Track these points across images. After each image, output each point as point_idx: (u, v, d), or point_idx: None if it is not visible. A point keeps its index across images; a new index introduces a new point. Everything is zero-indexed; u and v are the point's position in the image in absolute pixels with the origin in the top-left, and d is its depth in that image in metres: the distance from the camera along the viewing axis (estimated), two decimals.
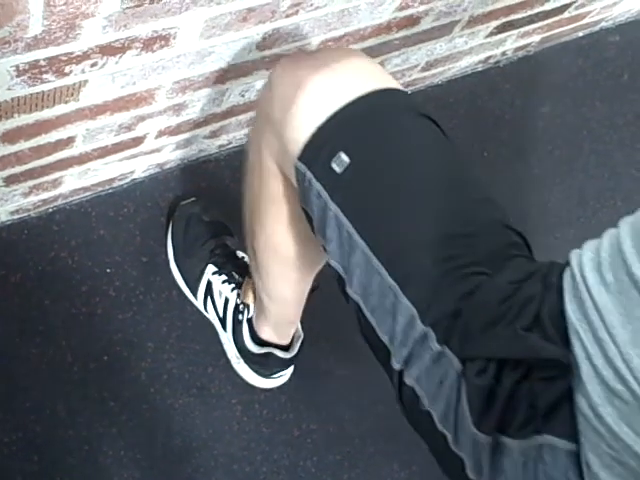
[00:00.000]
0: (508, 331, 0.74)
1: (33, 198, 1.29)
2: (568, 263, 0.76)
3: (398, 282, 0.80)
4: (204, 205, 1.44)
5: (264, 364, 1.36)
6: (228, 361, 1.41)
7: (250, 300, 1.31)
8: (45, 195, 1.30)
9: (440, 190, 0.85)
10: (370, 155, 0.86)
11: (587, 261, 0.73)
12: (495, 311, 0.76)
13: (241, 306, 1.33)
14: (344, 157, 0.84)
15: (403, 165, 0.86)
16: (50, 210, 1.37)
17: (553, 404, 0.71)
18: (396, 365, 0.82)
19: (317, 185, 0.86)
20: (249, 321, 1.32)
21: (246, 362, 1.37)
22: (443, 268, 0.79)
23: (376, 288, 0.82)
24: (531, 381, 0.73)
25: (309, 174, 0.87)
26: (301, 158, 0.88)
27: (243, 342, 1.33)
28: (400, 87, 0.92)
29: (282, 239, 1.06)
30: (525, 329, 0.74)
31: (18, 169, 1.15)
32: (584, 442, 0.69)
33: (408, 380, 0.81)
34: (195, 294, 1.39)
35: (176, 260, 1.40)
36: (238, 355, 1.37)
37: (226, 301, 1.35)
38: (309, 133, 0.87)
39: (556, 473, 0.71)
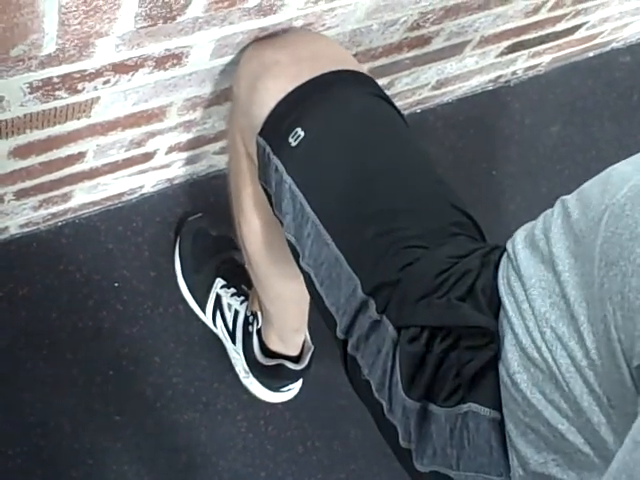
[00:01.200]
0: (442, 300, 0.77)
1: (43, 212, 1.29)
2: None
3: (343, 252, 0.83)
4: (211, 220, 1.44)
5: (274, 377, 1.35)
6: (234, 377, 1.41)
7: (257, 307, 1.32)
8: (55, 209, 1.31)
9: (389, 167, 0.88)
10: (324, 130, 0.89)
11: (520, 239, 0.77)
12: (431, 282, 0.79)
13: (250, 317, 1.33)
14: (300, 131, 0.87)
15: (355, 140, 0.89)
16: (59, 224, 1.37)
17: (478, 373, 0.74)
18: (340, 334, 0.84)
19: (275, 159, 0.89)
20: (259, 332, 1.32)
21: (255, 376, 1.37)
22: (386, 240, 0.82)
23: (325, 259, 0.85)
24: (459, 350, 0.75)
25: (268, 148, 0.89)
26: (261, 133, 0.90)
27: (253, 354, 1.33)
28: (364, 71, 0.95)
29: (262, 222, 1.07)
30: (458, 299, 0.76)
31: (28, 183, 1.15)
32: (505, 411, 0.72)
33: (350, 349, 0.84)
34: (203, 309, 1.39)
35: (184, 275, 1.40)
36: (247, 369, 1.37)
37: (236, 314, 1.35)
38: (269, 108, 0.89)
39: (480, 440, 0.74)
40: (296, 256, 0.90)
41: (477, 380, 0.74)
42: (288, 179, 0.87)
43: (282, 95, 0.89)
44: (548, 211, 0.77)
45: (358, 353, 0.83)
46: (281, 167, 0.88)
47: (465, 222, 0.87)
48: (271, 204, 0.93)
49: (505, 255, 0.78)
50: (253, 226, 1.09)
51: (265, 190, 0.94)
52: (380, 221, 0.84)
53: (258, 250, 1.13)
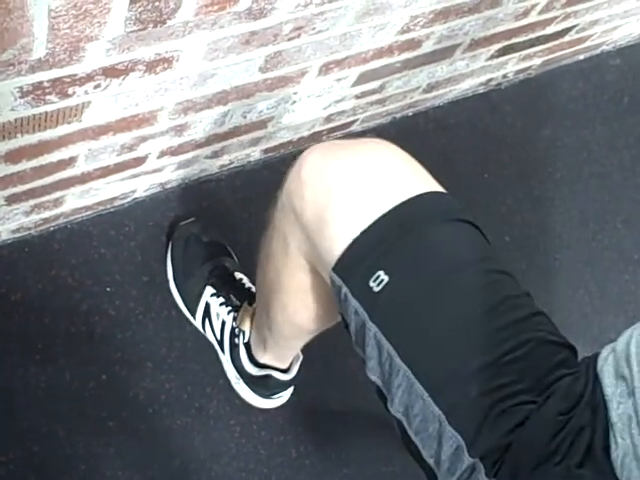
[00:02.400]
0: (560, 469, 0.72)
1: (34, 217, 1.29)
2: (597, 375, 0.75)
3: (443, 410, 0.78)
4: (203, 225, 1.44)
5: (264, 385, 1.35)
6: (226, 382, 1.41)
7: (246, 327, 1.31)
8: (46, 214, 1.30)
9: (483, 312, 0.82)
10: (410, 274, 0.83)
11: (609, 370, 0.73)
12: (546, 448, 0.73)
13: (237, 330, 1.33)
14: (383, 275, 0.81)
15: (444, 285, 0.83)
16: (51, 229, 1.37)
17: None
18: None
19: (354, 302, 0.83)
20: (246, 345, 1.32)
21: (246, 383, 1.37)
22: (489, 399, 0.77)
23: (419, 412, 0.80)
24: None
25: (345, 289, 0.83)
26: (336, 271, 0.84)
27: (241, 364, 1.33)
28: (438, 188, 0.89)
29: (304, 319, 1.04)
30: (578, 465, 0.71)
31: (20, 188, 1.15)
32: None
33: None
34: (194, 315, 1.39)
35: (175, 281, 1.40)
36: (237, 376, 1.37)
37: (223, 324, 1.35)
38: (344, 246, 0.83)
39: None
40: (382, 399, 0.84)
41: None
42: (372, 326, 0.81)
43: (358, 232, 0.82)
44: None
45: None
46: (362, 312, 0.82)
47: (565, 357, 0.82)
48: (349, 333, 0.87)
49: (602, 390, 0.74)
50: (292, 319, 1.06)
51: (342, 318, 0.87)
52: (481, 378, 0.78)
53: (287, 328, 1.10)
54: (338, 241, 0.84)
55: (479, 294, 0.83)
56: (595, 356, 0.78)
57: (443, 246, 0.85)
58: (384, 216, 0.83)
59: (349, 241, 0.83)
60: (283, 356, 1.31)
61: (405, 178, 0.88)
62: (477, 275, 0.84)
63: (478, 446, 0.76)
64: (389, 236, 0.83)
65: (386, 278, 0.81)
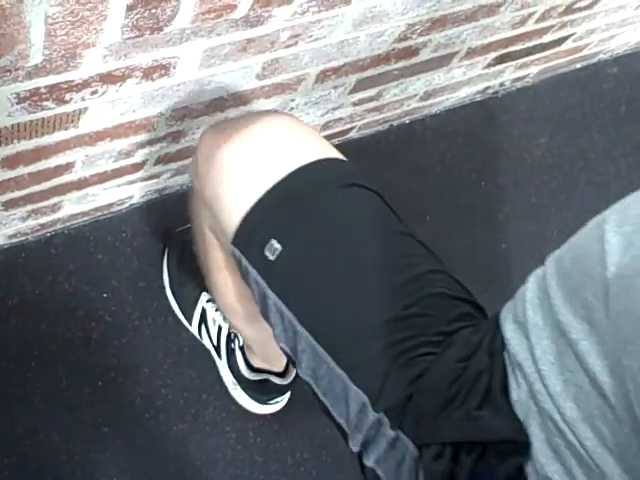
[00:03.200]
0: (460, 412, 0.73)
1: (32, 222, 1.30)
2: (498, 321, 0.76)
3: (346, 370, 0.79)
4: None
5: (261, 390, 1.35)
6: (223, 388, 1.41)
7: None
8: (44, 219, 1.31)
9: (378, 270, 0.83)
10: (302, 240, 0.84)
11: (509, 317, 0.74)
12: (446, 393, 0.75)
13: (232, 335, 1.33)
14: (276, 244, 0.82)
15: (337, 248, 0.84)
16: (48, 234, 1.37)
17: (512, 477, 0.70)
18: (354, 448, 0.81)
19: (254, 272, 0.85)
20: (242, 349, 1.32)
21: (243, 388, 1.37)
22: (389, 354, 0.78)
23: (325, 374, 0.81)
24: (488, 459, 0.71)
25: (244, 260, 0.85)
26: (234, 243, 0.86)
27: (238, 369, 1.33)
28: (331, 154, 0.89)
29: (236, 303, 1.06)
30: (477, 407, 0.73)
31: (17, 194, 1.15)
32: None
33: (367, 462, 0.80)
34: (190, 321, 1.39)
35: (171, 287, 1.40)
36: (235, 381, 1.37)
37: (219, 329, 1.35)
38: (239, 218, 0.85)
39: None
40: (292, 362, 0.86)
41: None
42: (272, 295, 0.83)
43: (250, 204, 0.84)
44: (538, 272, 0.74)
45: (378, 467, 0.80)
46: (262, 282, 0.84)
47: (466, 311, 0.84)
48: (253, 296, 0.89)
49: (502, 335, 0.74)
50: (227, 303, 1.08)
51: (248, 285, 0.89)
52: (381, 334, 0.79)
53: (234, 319, 1.13)
54: (234, 214, 0.85)
55: (374, 253, 0.84)
56: (500, 310, 0.79)
57: (336, 209, 0.86)
58: (276, 185, 0.84)
59: (243, 213, 0.84)
60: (268, 357, 1.31)
61: (300, 147, 0.88)
62: (373, 236, 0.85)
63: (381, 401, 0.77)
64: (281, 205, 0.84)
65: (279, 247, 0.82)
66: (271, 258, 0.83)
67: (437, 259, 0.88)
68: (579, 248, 0.69)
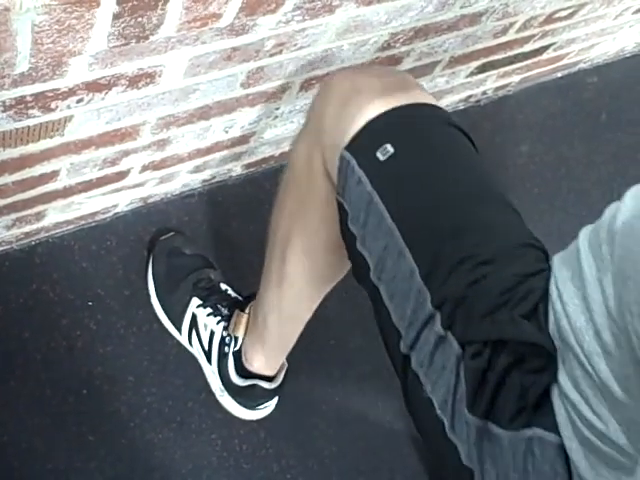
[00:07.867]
0: (505, 316, 0.78)
1: (16, 231, 1.29)
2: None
3: (419, 264, 0.84)
4: (185, 238, 1.45)
5: (249, 396, 1.35)
6: (208, 396, 1.41)
7: (240, 333, 1.32)
8: (28, 228, 1.31)
9: (469, 192, 0.91)
10: (414, 150, 0.92)
11: (559, 259, 0.82)
12: (496, 300, 0.80)
13: (227, 338, 1.33)
14: (389, 147, 0.89)
15: (440, 164, 0.92)
16: (33, 243, 1.37)
17: (542, 396, 0.75)
18: (404, 349, 0.84)
19: (359, 172, 0.90)
20: (235, 354, 1.33)
21: (230, 395, 1.37)
22: (458, 257, 0.83)
23: (398, 271, 0.86)
24: (521, 371, 0.76)
25: (353, 161, 0.91)
26: (348, 147, 0.92)
27: (228, 375, 1.33)
28: (440, 105, 1.00)
29: (322, 242, 1.07)
30: (522, 317, 0.78)
31: (1, 202, 1.15)
32: (566, 433, 0.73)
33: (414, 365, 0.84)
34: (179, 328, 1.39)
35: (158, 295, 1.40)
36: (222, 388, 1.37)
37: (211, 334, 1.35)
38: (359, 125, 0.91)
39: (545, 466, 0.74)
40: (364, 270, 0.90)
41: (542, 404, 0.75)
42: (373, 191, 0.89)
43: (374, 114, 0.91)
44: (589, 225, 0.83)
45: (422, 369, 0.83)
46: (365, 179, 0.90)
47: (535, 244, 0.89)
48: (341, 221, 0.94)
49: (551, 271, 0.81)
50: (311, 244, 1.09)
51: (340, 205, 0.95)
52: (457, 238, 0.85)
53: (299, 271, 1.13)
54: (355, 122, 0.92)
55: (469, 180, 0.92)
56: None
57: (443, 137, 0.95)
58: (399, 107, 0.92)
59: (364, 122, 0.91)
60: (276, 356, 1.32)
61: (422, 91, 0.99)
62: (469, 168, 0.94)
63: (438, 297, 0.82)
64: (400, 120, 0.93)
65: (392, 150, 0.89)
66: (381, 159, 0.89)
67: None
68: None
